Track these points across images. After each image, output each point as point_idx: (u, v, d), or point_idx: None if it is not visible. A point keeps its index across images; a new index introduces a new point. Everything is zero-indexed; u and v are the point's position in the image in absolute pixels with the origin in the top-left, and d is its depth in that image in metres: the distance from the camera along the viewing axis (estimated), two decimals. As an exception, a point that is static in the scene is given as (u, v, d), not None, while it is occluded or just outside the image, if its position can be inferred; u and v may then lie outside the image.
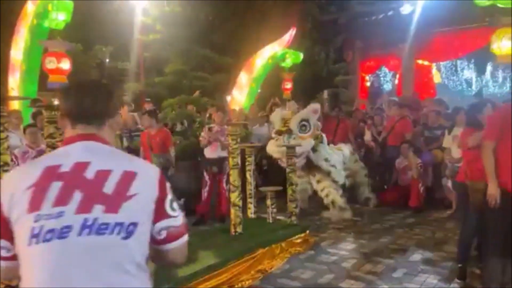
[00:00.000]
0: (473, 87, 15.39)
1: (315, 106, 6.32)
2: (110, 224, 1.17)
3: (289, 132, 5.94)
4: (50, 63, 6.78)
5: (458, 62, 14.32)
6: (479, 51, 10.87)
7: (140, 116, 8.20)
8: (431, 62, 13.18)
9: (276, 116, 6.32)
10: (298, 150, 5.57)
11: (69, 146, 1.28)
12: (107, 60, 13.71)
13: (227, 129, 5.96)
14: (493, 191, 3.17)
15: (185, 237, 1.35)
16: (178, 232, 1.32)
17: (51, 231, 1.13)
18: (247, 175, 5.40)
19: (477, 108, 3.82)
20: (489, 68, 14.37)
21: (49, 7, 6.82)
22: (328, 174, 6.18)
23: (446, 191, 6.37)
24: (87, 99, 1.30)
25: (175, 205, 1.32)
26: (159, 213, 1.27)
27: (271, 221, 5.16)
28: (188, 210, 6.60)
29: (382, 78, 15.53)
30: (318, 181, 6.28)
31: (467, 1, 7.36)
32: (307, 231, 5.04)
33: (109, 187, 1.20)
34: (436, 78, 13.62)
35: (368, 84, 14.42)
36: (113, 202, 1.19)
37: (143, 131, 6.75)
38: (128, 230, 1.18)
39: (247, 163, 5.41)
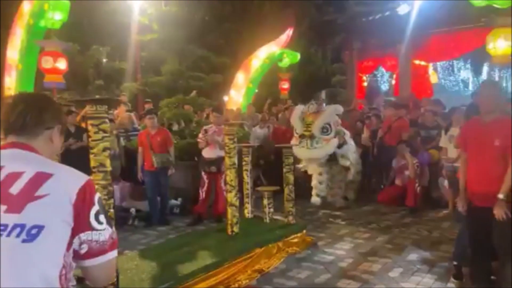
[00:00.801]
0: (470, 87, 15.45)
1: (337, 108, 6.37)
2: (9, 225, 1.08)
3: (312, 137, 6.00)
4: (47, 63, 6.78)
5: (455, 62, 14.38)
6: (475, 52, 10.91)
7: (136, 115, 8.20)
8: (428, 62, 13.21)
9: (296, 116, 6.36)
10: (322, 153, 5.82)
11: None
12: (104, 59, 13.69)
13: (224, 129, 5.98)
14: (461, 201, 3.28)
15: (110, 255, 1.21)
16: (101, 249, 1.18)
17: None
18: (244, 175, 5.39)
19: (474, 108, 3.84)
20: (485, 68, 14.42)
21: (46, 6, 6.82)
22: (345, 169, 6.37)
23: (443, 191, 6.39)
24: (15, 113, 1.27)
25: (102, 218, 1.20)
26: (81, 223, 1.16)
27: (268, 221, 5.16)
28: (185, 209, 6.66)
29: (379, 78, 15.57)
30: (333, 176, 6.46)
31: (463, 1, 7.38)
32: (304, 231, 5.04)
33: (16, 188, 1.12)
34: (433, 78, 13.66)
35: (365, 84, 14.45)
36: (16, 203, 1.10)
37: (141, 131, 6.74)
38: (31, 233, 1.08)
39: (244, 163, 5.41)
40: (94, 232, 1.17)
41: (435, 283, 3.82)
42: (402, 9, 11.17)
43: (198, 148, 6.39)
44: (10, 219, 1.08)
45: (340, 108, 6.42)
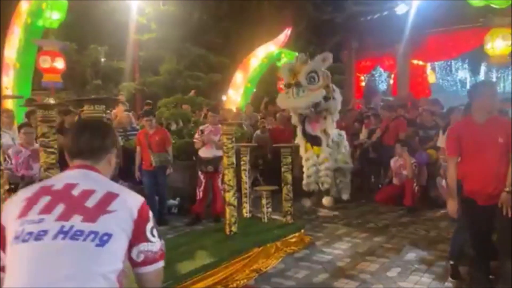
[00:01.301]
0: (468, 87, 15.49)
1: (325, 55, 6.13)
2: (85, 231, 1.29)
3: (298, 84, 5.82)
4: (44, 62, 6.76)
5: (453, 62, 14.42)
6: (473, 52, 10.95)
7: (134, 115, 8.19)
8: (425, 62, 13.25)
9: (285, 68, 6.22)
10: (307, 102, 5.69)
11: (65, 172, 1.49)
12: (102, 59, 13.64)
13: (221, 129, 5.98)
14: (451, 206, 3.25)
15: (160, 264, 1.45)
16: (154, 258, 1.42)
17: (30, 233, 1.28)
18: (242, 175, 5.40)
19: (470, 107, 3.84)
20: (483, 68, 14.46)
21: (43, 5, 6.79)
22: (334, 147, 6.29)
23: (441, 190, 6.39)
24: (82, 139, 1.49)
25: (155, 232, 1.44)
26: (139, 236, 1.39)
27: (266, 221, 5.16)
28: (183, 209, 6.65)
29: (377, 78, 15.59)
30: (321, 163, 6.27)
31: (461, 1, 7.40)
32: (302, 231, 5.05)
33: (91, 202, 1.35)
34: (431, 78, 13.70)
35: (363, 84, 14.47)
36: (92, 214, 1.32)
37: (140, 130, 6.73)
38: (102, 239, 1.29)
39: (242, 163, 5.41)
40: (149, 243, 1.41)
41: (433, 283, 3.83)
42: (400, 9, 11.18)
43: (195, 147, 6.39)
44: (87, 227, 1.31)
45: (328, 56, 6.13)
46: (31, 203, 1.35)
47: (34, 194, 1.38)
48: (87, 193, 1.37)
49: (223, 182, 5.89)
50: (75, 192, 1.37)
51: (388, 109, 7.73)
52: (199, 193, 6.17)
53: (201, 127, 6.36)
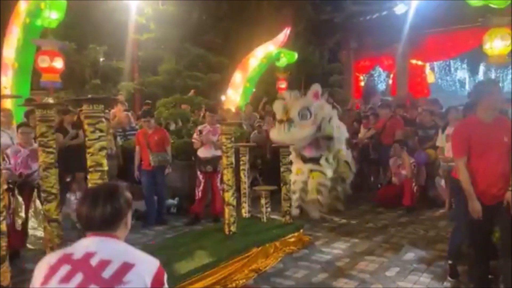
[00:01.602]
0: (467, 87, 15.50)
1: (314, 89, 6.10)
2: None
3: (290, 121, 5.84)
4: (43, 62, 6.75)
5: (452, 62, 14.45)
6: (472, 52, 10.95)
7: (133, 115, 8.18)
8: (424, 62, 13.25)
9: (278, 104, 6.22)
10: (298, 136, 5.68)
11: (85, 240, 1.54)
12: (101, 59, 13.62)
13: (219, 128, 5.98)
14: (475, 207, 3.14)
15: None
16: None
17: None
18: (241, 174, 5.40)
19: (469, 106, 3.86)
20: (482, 68, 14.48)
21: (42, 5, 6.77)
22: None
23: (439, 190, 6.41)
24: (96, 212, 1.52)
25: None
26: None
27: (265, 220, 5.16)
28: (182, 209, 6.65)
29: (376, 78, 15.61)
30: (313, 177, 6.14)
31: (460, 1, 7.39)
32: (301, 230, 5.05)
33: (107, 273, 1.43)
34: (430, 78, 13.70)
35: (362, 83, 14.48)
36: (108, 284, 1.41)
37: (139, 130, 6.73)
38: None
39: (241, 162, 5.41)
40: None
41: (432, 282, 3.83)
42: (399, 9, 11.19)
43: (194, 147, 6.39)
44: None
45: (316, 88, 6.10)
46: (53, 271, 1.45)
47: (56, 261, 1.47)
48: (104, 264, 1.44)
49: (222, 182, 5.89)
50: (93, 261, 1.45)
51: (386, 107, 7.73)
52: (198, 193, 6.18)
53: (199, 127, 6.36)
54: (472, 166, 3.18)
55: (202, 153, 6.14)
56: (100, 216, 1.52)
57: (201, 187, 6.16)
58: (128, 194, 1.62)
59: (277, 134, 5.94)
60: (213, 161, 6.07)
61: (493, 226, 3.40)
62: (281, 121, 5.94)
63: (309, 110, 5.89)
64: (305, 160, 6.23)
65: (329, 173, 6.17)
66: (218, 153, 5.98)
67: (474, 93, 3.36)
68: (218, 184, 6.09)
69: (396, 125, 7.27)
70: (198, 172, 6.18)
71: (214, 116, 6.30)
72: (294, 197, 6.06)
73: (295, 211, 5.99)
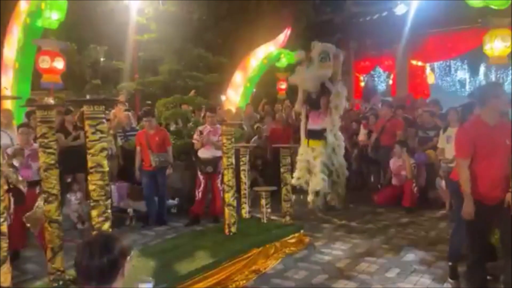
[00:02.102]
0: (467, 87, 15.48)
1: (338, 51, 6.66)
2: None
3: (310, 60, 6.30)
4: (44, 62, 6.75)
5: (452, 63, 14.41)
6: (472, 52, 10.95)
7: (134, 115, 8.18)
8: (424, 63, 13.25)
9: (302, 52, 6.66)
10: (316, 76, 6.19)
11: None
12: (102, 59, 13.64)
13: (220, 129, 5.97)
14: (469, 209, 3.15)
15: None
16: None
17: None
18: (242, 175, 5.40)
19: (468, 107, 3.86)
20: (482, 69, 14.46)
21: (42, 5, 6.77)
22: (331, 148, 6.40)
23: (440, 191, 6.40)
24: (92, 265, 1.53)
25: None
26: None
27: (265, 221, 5.17)
28: (182, 210, 6.65)
29: (376, 78, 15.60)
30: (315, 157, 6.37)
31: (460, 2, 7.38)
32: (301, 231, 5.05)
33: None
34: (430, 78, 13.69)
35: (362, 84, 14.47)
36: None
37: (140, 131, 6.73)
38: None
39: (241, 163, 5.41)
40: None
41: (432, 283, 3.84)
42: (400, 10, 11.18)
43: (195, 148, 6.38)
44: None
45: (341, 54, 6.67)
46: None
47: None
48: None
49: (222, 182, 5.88)
50: None
51: (387, 107, 7.69)
52: (198, 194, 6.17)
53: (199, 128, 6.36)
54: (475, 168, 3.18)
55: (203, 153, 6.14)
56: (97, 270, 1.54)
57: (201, 188, 6.16)
58: (123, 244, 1.64)
59: (296, 75, 6.50)
60: (213, 162, 6.07)
61: (493, 227, 3.41)
62: (301, 63, 6.44)
63: (329, 55, 6.37)
64: (309, 134, 6.51)
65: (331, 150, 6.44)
66: (219, 153, 5.96)
67: (480, 95, 3.35)
68: (219, 185, 6.09)
69: (397, 126, 7.26)
70: (199, 173, 6.18)
71: (214, 116, 6.30)
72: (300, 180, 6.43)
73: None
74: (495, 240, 3.73)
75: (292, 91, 12.69)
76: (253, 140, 8.07)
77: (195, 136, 6.27)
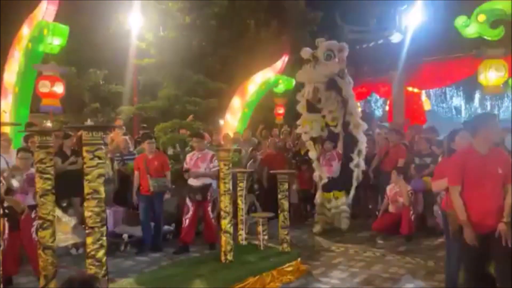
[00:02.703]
0: (463, 114, 15.65)
1: (343, 44, 6.98)
2: None
3: (316, 58, 6.53)
4: (43, 87, 6.82)
5: (447, 89, 14.63)
6: (467, 80, 11.11)
7: (131, 139, 8.19)
8: (420, 89, 13.41)
9: (307, 51, 6.84)
10: (324, 72, 6.39)
11: None
12: (101, 82, 13.76)
13: (209, 154, 5.92)
14: (469, 234, 3.16)
15: None
16: None
17: None
18: (239, 201, 5.36)
19: (450, 136, 3.90)
20: (477, 96, 14.66)
21: (45, 31, 6.88)
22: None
23: (438, 219, 6.37)
24: None
25: None
26: None
27: (262, 248, 5.10)
28: (178, 236, 6.55)
29: (373, 104, 15.76)
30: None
31: (454, 31, 7.56)
32: (299, 259, 4.98)
33: None
34: (426, 105, 13.84)
35: (359, 110, 14.56)
36: None
37: (138, 155, 6.71)
38: None
39: (239, 188, 5.38)
40: None
41: (431, 315, 3.77)
42: (395, 38, 11.41)
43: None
44: None
45: (345, 46, 6.94)
46: None
47: None
48: None
49: (213, 210, 5.82)
50: None
51: (396, 133, 7.70)
52: (185, 221, 5.96)
53: (188, 155, 6.23)
54: (467, 197, 3.21)
55: (193, 181, 5.99)
56: None
57: (188, 215, 5.93)
58: (100, 286, 1.71)
59: (303, 73, 6.70)
60: (203, 190, 5.92)
61: (489, 255, 3.38)
62: (307, 61, 6.64)
63: (333, 52, 6.63)
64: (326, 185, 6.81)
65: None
66: (209, 180, 5.94)
67: (472, 125, 3.40)
68: (210, 212, 5.99)
69: (399, 153, 7.25)
70: (187, 199, 6.02)
71: (201, 141, 6.14)
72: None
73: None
74: (491, 268, 3.70)
75: (289, 115, 12.81)
76: (248, 164, 8.07)
77: (185, 165, 6.14)
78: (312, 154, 7.11)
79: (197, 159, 5.99)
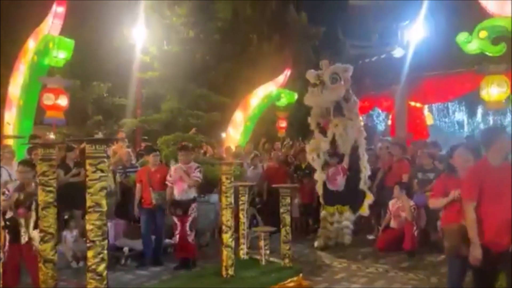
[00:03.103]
0: (465, 128, 15.64)
1: (345, 65, 7.09)
2: None
3: (322, 83, 6.57)
4: (48, 100, 6.87)
5: (450, 104, 14.65)
6: (470, 94, 11.13)
7: (133, 151, 8.22)
8: (423, 104, 13.44)
9: (311, 73, 6.93)
10: (330, 98, 6.54)
11: None
12: (105, 94, 13.87)
13: (194, 167, 5.80)
14: (477, 255, 3.09)
15: None
16: None
17: None
18: (240, 215, 5.34)
19: (449, 153, 3.87)
20: (480, 110, 14.67)
21: (50, 45, 6.97)
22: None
23: (441, 234, 6.31)
24: None
25: None
26: None
27: (263, 263, 5.06)
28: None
29: (375, 118, 15.79)
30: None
31: (456, 46, 7.60)
32: (300, 275, 4.93)
33: None
34: (429, 119, 13.85)
35: (361, 124, 14.57)
36: None
37: (141, 167, 6.70)
38: None
39: (240, 202, 5.37)
40: None
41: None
42: (397, 53, 11.50)
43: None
44: None
45: (350, 67, 7.02)
46: None
47: None
48: None
49: (191, 226, 5.69)
50: None
51: (400, 147, 7.68)
52: (175, 238, 5.81)
53: (172, 167, 6.02)
54: (481, 212, 3.13)
55: (176, 195, 5.78)
56: None
57: (177, 231, 5.76)
58: None
59: (311, 97, 6.77)
60: (184, 204, 5.70)
61: (498, 273, 3.34)
62: (314, 85, 6.71)
63: (338, 75, 6.70)
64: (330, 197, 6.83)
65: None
66: (193, 194, 5.79)
67: (486, 137, 3.37)
68: (187, 228, 5.69)
69: (403, 168, 7.22)
70: (173, 216, 5.81)
71: (187, 154, 5.90)
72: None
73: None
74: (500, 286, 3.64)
75: (291, 129, 12.85)
76: (248, 171, 8.05)
77: (168, 177, 5.91)
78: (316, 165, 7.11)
79: (182, 173, 5.73)
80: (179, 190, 5.74)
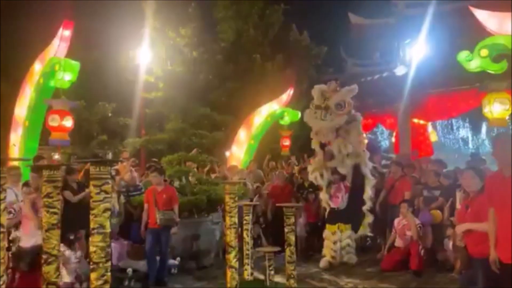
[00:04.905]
0: (470, 145, 15.58)
1: (351, 87, 6.95)
2: None
3: (327, 108, 6.54)
4: (53, 121, 6.93)
5: (454, 121, 14.64)
6: (473, 110, 11.12)
7: (138, 170, 8.24)
8: (426, 121, 13.43)
9: (317, 90, 6.84)
10: (332, 124, 6.50)
11: None
12: (110, 115, 13.99)
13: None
14: (493, 257, 3.14)
15: None
16: None
17: None
18: (244, 234, 5.30)
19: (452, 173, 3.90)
20: (484, 127, 14.63)
21: (56, 67, 7.08)
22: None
23: (448, 253, 6.23)
24: None
25: None
26: None
27: (268, 284, 5.00)
28: (183, 270, 6.46)
29: (379, 136, 15.79)
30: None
31: (458, 64, 7.63)
32: (306, 295, 4.86)
33: None
34: (433, 136, 13.82)
35: (365, 141, 14.56)
36: None
37: (148, 187, 6.70)
38: None
39: (244, 222, 5.34)
40: None
41: None
42: (399, 70, 11.53)
43: (199, 204, 6.29)
44: None
45: (355, 89, 6.91)
46: None
47: None
48: None
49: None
50: None
51: (397, 165, 7.67)
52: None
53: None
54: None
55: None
56: None
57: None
58: None
59: (313, 119, 6.69)
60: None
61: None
62: (318, 107, 6.64)
63: (344, 102, 6.65)
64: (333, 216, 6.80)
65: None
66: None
67: (497, 148, 3.39)
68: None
69: (405, 185, 7.20)
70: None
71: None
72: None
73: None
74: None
75: (295, 147, 12.84)
76: (254, 199, 8.02)
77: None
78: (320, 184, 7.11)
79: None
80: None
